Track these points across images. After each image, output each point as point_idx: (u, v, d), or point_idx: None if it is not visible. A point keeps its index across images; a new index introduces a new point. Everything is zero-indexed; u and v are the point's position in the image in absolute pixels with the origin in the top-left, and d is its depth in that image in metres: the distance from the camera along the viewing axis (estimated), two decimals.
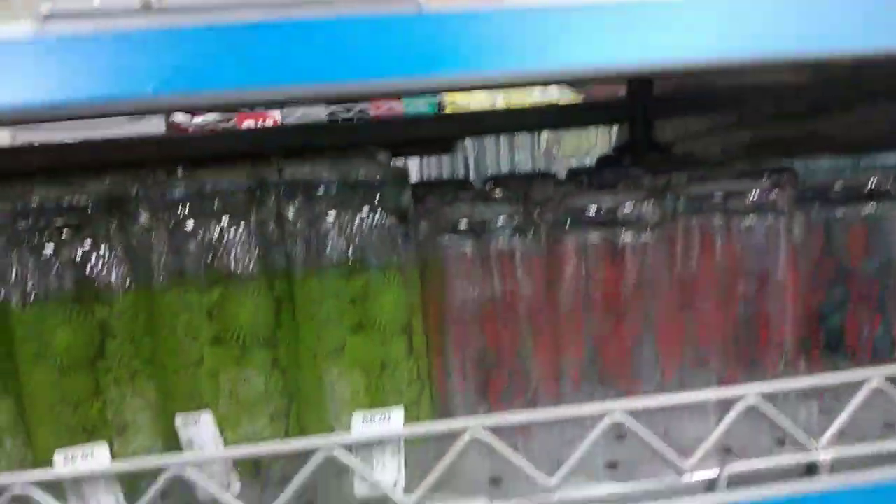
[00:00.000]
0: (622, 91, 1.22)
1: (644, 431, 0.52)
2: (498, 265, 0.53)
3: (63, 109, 0.39)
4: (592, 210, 0.54)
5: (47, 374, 0.46)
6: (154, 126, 1.85)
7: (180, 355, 0.48)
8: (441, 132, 1.27)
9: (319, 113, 2.16)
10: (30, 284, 0.46)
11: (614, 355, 0.56)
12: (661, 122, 1.21)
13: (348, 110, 2.35)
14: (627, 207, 0.54)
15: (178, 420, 0.48)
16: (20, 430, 0.49)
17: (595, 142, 1.53)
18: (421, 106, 2.31)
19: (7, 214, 0.46)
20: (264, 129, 1.79)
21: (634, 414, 0.52)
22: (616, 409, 0.52)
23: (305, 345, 0.51)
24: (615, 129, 1.40)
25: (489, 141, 1.84)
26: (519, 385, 0.55)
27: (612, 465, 0.57)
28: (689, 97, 1.11)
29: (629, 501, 0.54)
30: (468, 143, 1.76)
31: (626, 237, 0.54)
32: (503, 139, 1.87)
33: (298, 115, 2.08)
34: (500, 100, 1.95)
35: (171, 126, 2.21)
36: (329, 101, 1.76)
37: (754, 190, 0.56)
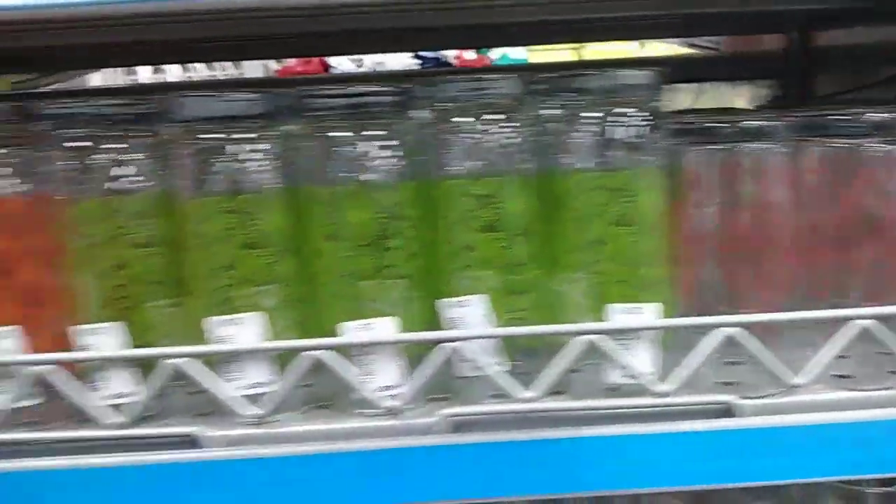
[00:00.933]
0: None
1: (892, 338, 0.52)
2: (743, 171, 0.54)
3: None
4: (838, 119, 0.55)
5: (339, 250, 0.50)
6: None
7: (451, 242, 0.51)
8: None
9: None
10: (326, 171, 0.50)
11: (855, 268, 0.56)
12: (813, 79, 1.17)
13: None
14: (873, 116, 0.55)
15: (451, 300, 0.51)
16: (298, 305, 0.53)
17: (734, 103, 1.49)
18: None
19: (301, 103, 0.50)
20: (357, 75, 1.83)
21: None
22: (867, 314, 0.52)
23: (565, 238, 0.53)
24: (756, 91, 1.36)
25: None
26: (754, 294, 0.56)
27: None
28: (853, 49, 1.07)
29: (860, 408, 0.54)
30: None
31: (873, 146, 0.54)
32: None
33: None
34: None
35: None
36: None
37: None
